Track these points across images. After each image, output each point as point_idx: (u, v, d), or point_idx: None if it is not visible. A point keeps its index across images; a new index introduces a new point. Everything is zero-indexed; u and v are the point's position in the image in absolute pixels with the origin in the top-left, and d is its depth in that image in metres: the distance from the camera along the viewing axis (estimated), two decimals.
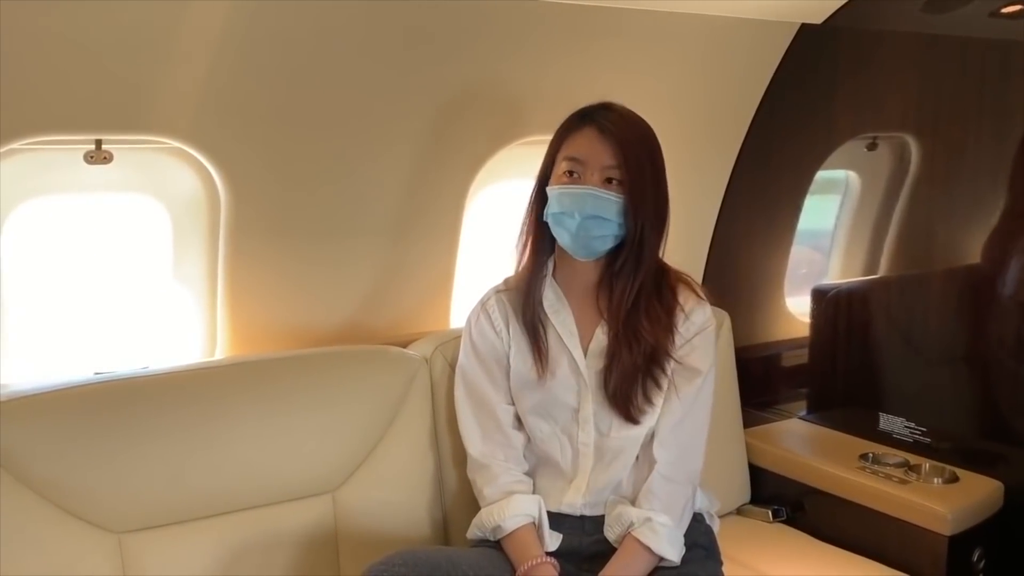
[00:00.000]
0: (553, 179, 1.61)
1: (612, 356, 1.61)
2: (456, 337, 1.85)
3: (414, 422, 1.79)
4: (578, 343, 1.64)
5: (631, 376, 1.59)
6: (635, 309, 1.60)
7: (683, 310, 1.64)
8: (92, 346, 1.81)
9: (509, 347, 1.68)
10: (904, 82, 2.14)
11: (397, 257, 2.01)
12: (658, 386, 1.61)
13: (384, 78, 1.77)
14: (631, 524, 1.56)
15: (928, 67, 2.09)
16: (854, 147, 2.31)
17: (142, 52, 1.51)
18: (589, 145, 1.58)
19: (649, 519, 1.55)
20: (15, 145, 1.56)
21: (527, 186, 1.68)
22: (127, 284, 1.85)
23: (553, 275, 1.68)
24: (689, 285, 1.68)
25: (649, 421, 1.61)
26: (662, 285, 1.64)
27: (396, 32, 1.72)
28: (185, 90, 1.60)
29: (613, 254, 1.62)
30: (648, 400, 1.60)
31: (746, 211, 2.42)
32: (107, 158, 1.67)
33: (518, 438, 1.68)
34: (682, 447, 1.62)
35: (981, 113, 2.01)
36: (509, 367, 1.67)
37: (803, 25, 2.18)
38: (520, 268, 1.69)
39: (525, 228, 1.68)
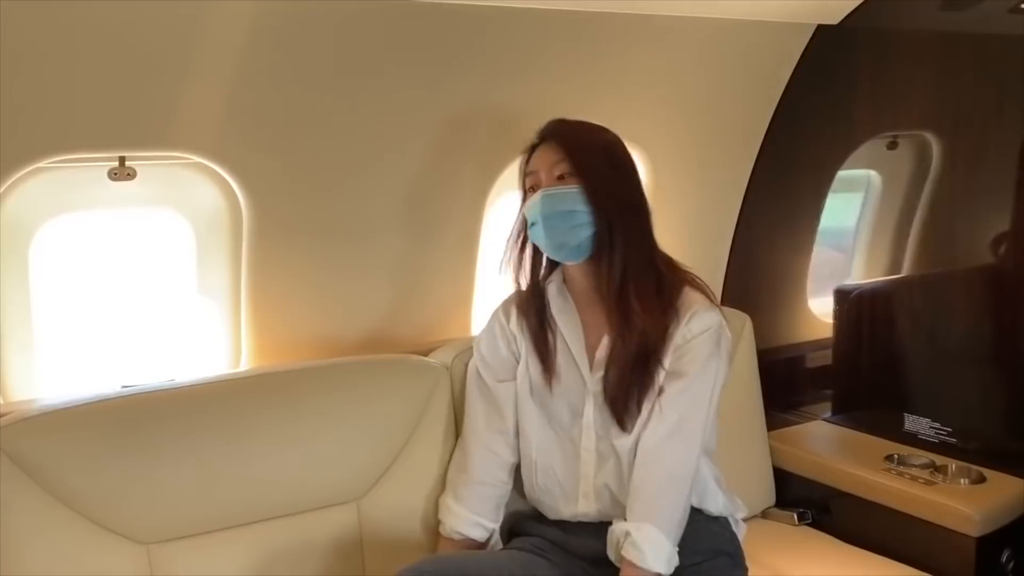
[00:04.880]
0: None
1: (609, 357, 1.61)
2: None
3: (437, 429, 1.80)
4: (583, 348, 1.65)
5: (624, 379, 1.58)
6: (624, 295, 1.59)
7: (678, 314, 1.60)
8: (119, 360, 1.84)
9: (520, 351, 1.70)
10: (923, 80, 2.13)
11: (418, 266, 2.02)
12: (645, 393, 1.59)
13: (401, 89, 1.79)
14: (618, 542, 1.53)
15: (947, 65, 2.08)
16: (874, 146, 2.30)
17: (163, 71, 1.54)
18: (539, 156, 1.65)
19: (628, 533, 1.51)
20: (41, 164, 1.59)
21: None
22: (152, 298, 1.88)
23: (563, 282, 1.70)
24: (697, 288, 1.64)
25: (640, 426, 1.59)
26: (660, 281, 1.62)
27: (413, 43, 1.74)
28: (205, 107, 1.62)
29: (597, 250, 1.62)
30: (637, 406, 1.59)
31: (767, 212, 2.41)
32: (131, 174, 1.70)
33: (513, 448, 1.71)
34: (671, 452, 1.57)
35: (1002, 110, 2.00)
36: (517, 371, 1.70)
37: (819, 26, 2.17)
38: (523, 284, 1.71)
39: (516, 250, 1.70)
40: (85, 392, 1.62)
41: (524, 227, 1.68)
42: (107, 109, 1.56)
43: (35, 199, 1.67)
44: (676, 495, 1.56)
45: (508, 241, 1.72)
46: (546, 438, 1.67)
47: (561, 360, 1.66)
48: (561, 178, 1.61)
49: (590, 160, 1.61)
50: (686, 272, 1.68)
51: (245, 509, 1.62)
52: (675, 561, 1.52)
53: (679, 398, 1.58)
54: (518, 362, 1.71)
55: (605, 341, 1.63)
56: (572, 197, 1.59)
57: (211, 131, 1.67)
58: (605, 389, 1.61)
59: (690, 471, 1.58)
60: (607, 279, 1.61)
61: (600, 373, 1.62)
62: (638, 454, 1.58)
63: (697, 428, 1.59)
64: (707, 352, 1.60)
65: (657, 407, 1.58)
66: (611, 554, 1.55)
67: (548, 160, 1.62)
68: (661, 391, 1.59)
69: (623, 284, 1.60)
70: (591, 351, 1.65)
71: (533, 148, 1.67)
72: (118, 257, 1.83)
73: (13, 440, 1.47)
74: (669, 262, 1.67)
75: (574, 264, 1.65)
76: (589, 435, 1.63)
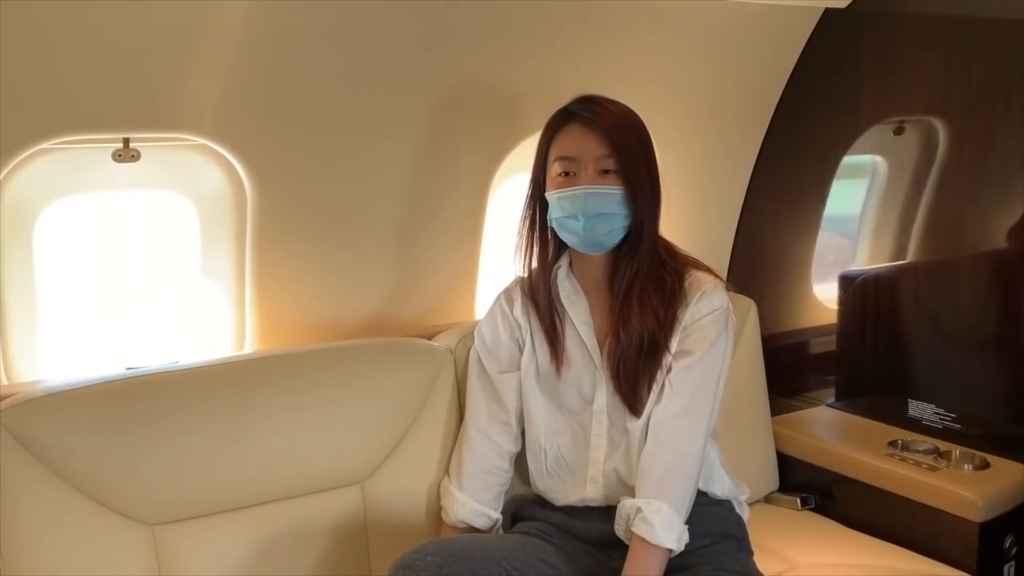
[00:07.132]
0: (549, 183, 1.61)
1: (618, 344, 1.60)
2: None
3: (440, 412, 1.80)
4: (593, 334, 1.64)
5: (631, 365, 1.58)
6: (628, 296, 1.60)
7: (686, 296, 1.61)
8: (124, 342, 1.84)
9: (525, 339, 1.69)
10: (931, 65, 2.11)
11: (422, 249, 2.02)
12: (654, 376, 1.59)
13: (403, 74, 1.78)
14: (628, 518, 1.53)
15: (955, 49, 2.07)
16: (881, 131, 2.29)
17: (167, 51, 1.54)
18: (578, 140, 1.58)
19: (640, 509, 1.50)
20: (45, 145, 1.58)
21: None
22: (157, 280, 1.88)
23: (570, 267, 1.69)
24: (701, 270, 1.65)
25: (649, 408, 1.59)
26: (663, 272, 1.62)
27: (415, 28, 1.73)
28: (210, 88, 1.62)
29: (620, 243, 1.62)
30: (647, 390, 1.59)
31: (772, 197, 2.41)
32: (135, 156, 1.69)
33: (514, 437, 1.72)
34: (681, 430, 1.57)
35: (1009, 95, 1.99)
36: (521, 358, 1.69)
37: (827, 10, 2.15)
38: (533, 268, 1.69)
39: (526, 231, 1.68)
40: (90, 374, 1.62)
41: (536, 208, 1.66)
42: (111, 90, 1.55)
43: (39, 180, 1.67)
44: (686, 473, 1.56)
45: (523, 224, 1.69)
46: (554, 424, 1.67)
47: (570, 346, 1.65)
48: (605, 173, 1.57)
49: (635, 159, 1.57)
50: (688, 255, 1.68)
51: (250, 491, 1.63)
52: (685, 538, 1.52)
53: (688, 377, 1.58)
54: (521, 351, 1.71)
55: (613, 327, 1.62)
56: (616, 199, 1.56)
57: (216, 113, 1.66)
58: (616, 375, 1.60)
59: (699, 449, 1.58)
60: (623, 273, 1.60)
61: (611, 359, 1.62)
62: (649, 432, 1.58)
63: (706, 407, 1.59)
64: (716, 332, 1.60)
65: (668, 385, 1.58)
66: (619, 531, 1.55)
67: (594, 150, 1.56)
68: (670, 370, 1.59)
69: (630, 288, 1.60)
70: (601, 337, 1.64)
71: (562, 125, 1.60)
72: (122, 239, 1.83)
73: (18, 421, 1.47)
74: (668, 247, 1.66)
75: (593, 255, 1.63)
76: (601, 421, 1.63)
